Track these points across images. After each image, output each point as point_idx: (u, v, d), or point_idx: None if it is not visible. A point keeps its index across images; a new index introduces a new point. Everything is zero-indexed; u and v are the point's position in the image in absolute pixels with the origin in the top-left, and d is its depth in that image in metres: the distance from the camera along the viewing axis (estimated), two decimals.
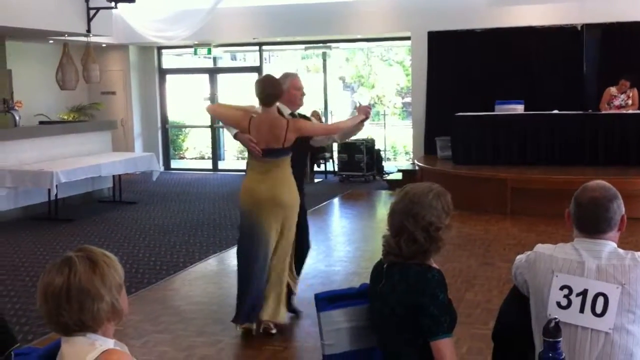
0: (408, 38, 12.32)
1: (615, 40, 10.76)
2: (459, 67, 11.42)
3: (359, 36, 13.24)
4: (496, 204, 8.80)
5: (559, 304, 2.32)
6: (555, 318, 2.03)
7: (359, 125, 4.81)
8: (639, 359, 2.26)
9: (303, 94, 4.86)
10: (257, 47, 14.02)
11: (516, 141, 9.69)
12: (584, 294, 2.29)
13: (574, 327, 2.29)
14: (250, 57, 15.51)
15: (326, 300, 2.70)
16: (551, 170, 9.02)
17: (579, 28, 11.00)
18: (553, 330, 2.00)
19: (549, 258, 2.41)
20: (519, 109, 10.07)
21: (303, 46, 14.04)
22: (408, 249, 2.49)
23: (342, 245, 7.71)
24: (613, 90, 9.88)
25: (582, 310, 2.28)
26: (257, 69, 14.04)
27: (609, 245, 2.36)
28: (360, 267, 6.40)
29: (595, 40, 10.98)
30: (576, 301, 2.29)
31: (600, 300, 2.26)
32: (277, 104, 4.58)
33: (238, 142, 4.73)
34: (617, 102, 9.85)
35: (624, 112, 9.69)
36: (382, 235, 2.61)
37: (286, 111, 4.71)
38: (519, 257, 2.61)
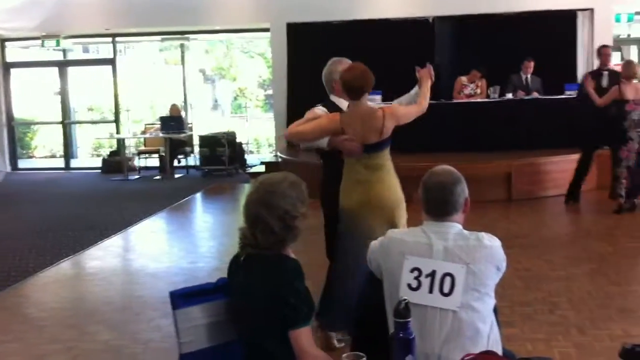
0: (268, 29, 12.32)
1: (465, 32, 11.35)
2: (318, 58, 11.40)
3: (217, 27, 13.06)
4: None
5: (409, 286, 2.37)
6: (405, 299, 2.08)
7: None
8: (485, 334, 2.36)
9: None
10: (110, 39, 13.45)
11: None
12: (432, 275, 2.36)
13: (424, 307, 2.35)
14: (103, 49, 14.85)
15: (182, 297, 2.62)
16: (406, 157, 9.33)
17: (431, 20, 11.50)
18: (403, 311, 2.05)
19: (400, 242, 2.47)
20: (377, 99, 10.31)
21: (160, 37, 13.64)
22: (264, 239, 2.47)
23: (205, 240, 7.58)
24: (464, 79, 10.41)
25: (431, 291, 2.35)
26: (111, 62, 13.48)
27: (455, 227, 2.46)
28: (224, 262, 6.22)
29: (447, 32, 11.54)
30: (425, 282, 2.36)
31: (448, 280, 2.34)
32: (332, 97, 4.17)
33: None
34: (467, 91, 10.39)
35: (473, 100, 10.25)
36: (238, 228, 2.57)
37: (344, 105, 4.11)
38: (373, 242, 2.65)
